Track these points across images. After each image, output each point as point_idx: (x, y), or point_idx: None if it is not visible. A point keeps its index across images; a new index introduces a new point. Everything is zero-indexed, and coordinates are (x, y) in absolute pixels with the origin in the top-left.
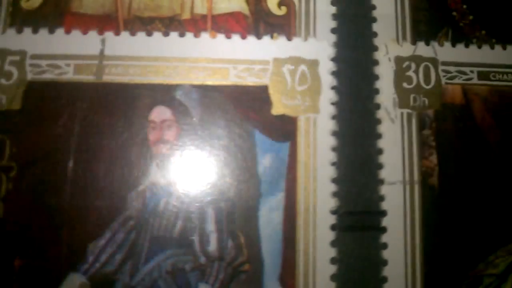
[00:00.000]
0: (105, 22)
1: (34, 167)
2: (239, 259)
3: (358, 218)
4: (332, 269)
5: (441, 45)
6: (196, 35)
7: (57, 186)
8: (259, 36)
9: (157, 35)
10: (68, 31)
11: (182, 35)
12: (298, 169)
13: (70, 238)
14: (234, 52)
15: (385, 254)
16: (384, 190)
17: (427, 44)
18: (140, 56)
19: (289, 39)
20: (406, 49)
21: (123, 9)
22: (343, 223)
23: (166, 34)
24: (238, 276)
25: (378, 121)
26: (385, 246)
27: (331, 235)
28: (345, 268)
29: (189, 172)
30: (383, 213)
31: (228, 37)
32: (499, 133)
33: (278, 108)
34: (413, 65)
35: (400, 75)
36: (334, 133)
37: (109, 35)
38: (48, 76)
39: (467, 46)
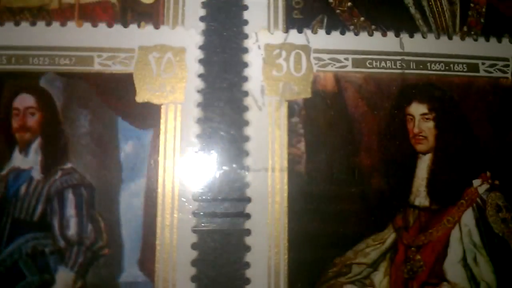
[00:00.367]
0: None
1: None
2: (98, 243)
3: (221, 205)
4: (193, 254)
5: (315, 32)
6: (63, 24)
7: None
8: (125, 25)
9: (25, 24)
10: None
11: (48, 24)
12: (160, 156)
13: None
14: (99, 41)
15: (249, 240)
16: (249, 177)
17: (300, 32)
18: (8, 45)
19: (156, 27)
20: (277, 37)
21: None
22: (205, 209)
23: (33, 23)
24: (97, 260)
25: (245, 108)
26: (248, 232)
27: (193, 221)
28: (206, 253)
29: (50, 158)
30: (248, 200)
31: (94, 25)
32: (373, 121)
33: (142, 95)
34: (284, 53)
35: (269, 63)
36: (199, 121)
37: None
38: None
39: (343, 33)
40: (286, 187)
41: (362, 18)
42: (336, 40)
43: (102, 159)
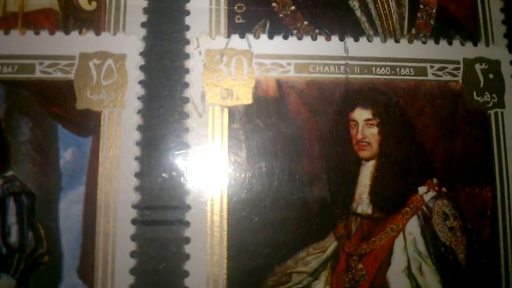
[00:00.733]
0: None
1: None
2: (39, 250)
3: (160, 212)
4: (132, 262)
5: (257, 37)
6: (6, 32)
7: None
8: (67, 32)
9: None
10: None
11: None
12: (100, 163)
13: None
14: (41, 48)
15: (188, 248)
16: (189, 184)
17: (242, 37)
18: None
19: (97, 34)
20: (219, 42)
21: None
22: (144, 217)
23: None
24: (38, 267)
25: (186, 115)
26: (188, 240)
27: (132, 229)
28: (145, 262)
29: None
30: (187, 207)
31: (37, 33)
32: (315, 127)
33: (82, 102)
34: (225, 58)
35: (210, 69)
36: (139, 128)
37: None
38: None
39: (285, 38)
40: (226, 194)
41: (305, 22)
42: (279, 45)
43: (42, 166)
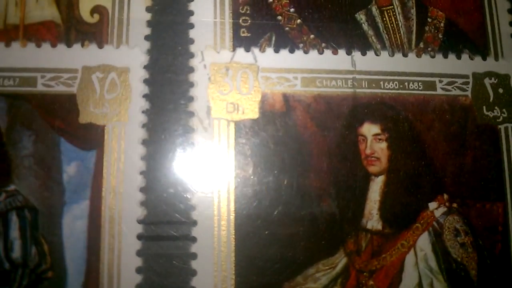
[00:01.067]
0: None
1: None
2: (42, 266)
3: (166, 228)
4: (138, 278)
5: (263, 51)
6: (7, 45)
7: None
8: (69, 44)
9: None
10: None
11: None
12: (104, 178)
13: None
14: (43, 61)
15: (195, 264)
16: (195, 199)
17: (247, 50)
18: None
19: (100, 47)
20: (224, 56)
21: None
22: (150, 233)
23: None
24: (41, 283)
25: (191, 130)
26: (195, 256)
27: (137, 244)
28: (151, 277)
29: None
30: (194, 223)
31: (38, 46)
32: (323, 142)
33: (85, 116)
34: (231, 72)
35: (215, 82)
36: (144, 142)
37: None
38: None
39: (292, 51)
40: (233, 209)
41: (312, 36)
42: (285, 58)
43: (45, 180)
